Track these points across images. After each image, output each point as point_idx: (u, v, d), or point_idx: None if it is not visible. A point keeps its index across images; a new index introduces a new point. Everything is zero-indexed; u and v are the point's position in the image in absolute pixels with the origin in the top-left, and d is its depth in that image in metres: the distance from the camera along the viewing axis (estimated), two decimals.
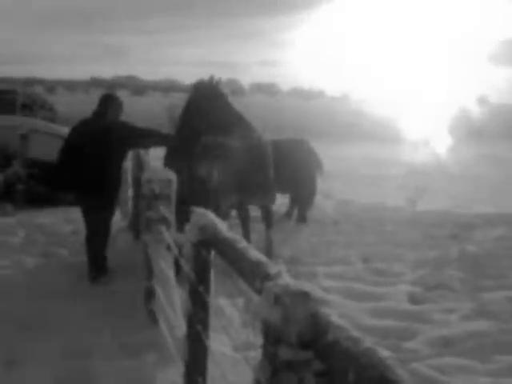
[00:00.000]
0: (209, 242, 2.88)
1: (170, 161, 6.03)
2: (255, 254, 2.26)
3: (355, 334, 1.47)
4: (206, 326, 2.96)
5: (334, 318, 1.57)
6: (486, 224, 9.77)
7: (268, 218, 7.62)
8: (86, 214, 5.84)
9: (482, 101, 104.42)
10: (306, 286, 1.66)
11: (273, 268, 2.05)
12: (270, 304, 1.65)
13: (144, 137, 5.94)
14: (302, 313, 1.59)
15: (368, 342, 1.40)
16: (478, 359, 4.49)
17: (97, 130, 5.74)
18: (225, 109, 5.94)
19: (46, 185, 9.47)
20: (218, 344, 3.20)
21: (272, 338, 1.67)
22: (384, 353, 1.34)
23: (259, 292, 1.90)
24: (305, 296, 1.61)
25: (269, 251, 7.28)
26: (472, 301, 5.80)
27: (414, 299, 5.93)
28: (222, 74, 6.18)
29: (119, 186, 6.04)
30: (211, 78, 6.10)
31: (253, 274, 2.14)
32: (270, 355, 1.69)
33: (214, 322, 3.09)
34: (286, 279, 1.82)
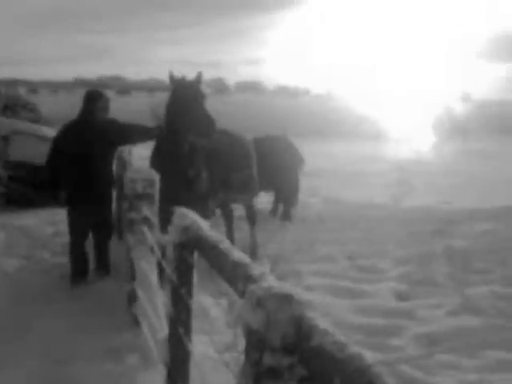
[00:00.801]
0: (191, 242, 2.81)
1: (156, 161, 5.94)
2: (238, 254, 2.19)
3: (341, 338, 1.41)
4: (188, 329, 2.89)
5: (319, 322, 1.51)
6: (470, 219, 9.79)
7: (251, 216, 7.58)
8: (85, 215, 5.71)
9: (466, 98, 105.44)
10: (290, 289, 1.60)
11: (256, 269, 1.99)
12: (252, 308, 1.58)
13: (133, 134, 5.92)
14: (285, 316, 1.52)
15: (354, 347, 1.35)
16: (465, 355, 4.48)
17: (91, 131, 5.65)
18: (198, 110, 5.78)
19: (34, 187, 9.37)
20: (201, 346, 3.15)
21: (255, 343, 1.61)
22: (371, 359, 1.29)
23: (242, 294, 1.84)
24: (288, 299, 1.54)
25: (253, 250, 7.28)
26: (458, 296, 5.79)
27: (399, 296, 5.91)
28: (207, 73, 5.94)
29: (113, 184, 6.14)
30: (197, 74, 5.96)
31: (235, 276, 2.08)
32: (252, 361, 1.63)
33: (197, 322, 3.04)
34: (270, 281, 1.76)
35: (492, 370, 4.27)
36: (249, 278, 1.91)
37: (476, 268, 6.86)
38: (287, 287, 1.58)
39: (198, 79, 5.89)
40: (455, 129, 33.90)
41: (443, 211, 10.61)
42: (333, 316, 4.93)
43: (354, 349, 1.35)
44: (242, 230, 7.89)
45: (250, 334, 1.62)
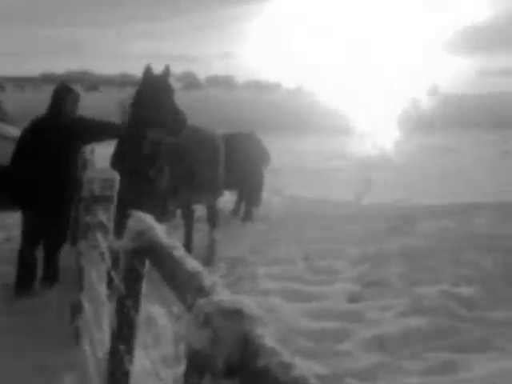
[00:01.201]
0: (143, 249, 2.62)
1: (116, 160, 5.81)
2: (192, 263, 2.00)
3: (288, 358, 1.29)
4: (129, 346, 2.78)
5: (268, 340, 1.35)
6: (429, 216, 9.88)
7: (213, 217, 7.51)
8: (45, 218, 5.55)
9: (433, 91, 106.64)
10: (241, 302, 1.42)
11: (207, 279, 1.80)
12: (197, 325, 1.41)
13: (101, 131, 5.78)
14: (232, 335, 1.37)
15: (301, 367, 1.24)
16: (410, 358, 4.51)
17: (58, 128, 5.51)
18: (167, 104, 5.66)
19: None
20: (144, 361, 3.06)
21: (196, 366, 1.46)
22: (316, 381, 1.26)
23: (190, 308, 1.64)
24: (238, 315, 1.38)
25: (211, 252, 7.21)
26: (408, 297, 5.80)
27: (352, 298, 5.92)
28: (178, 67, 5.68)
29: (76, 185, 5.81)
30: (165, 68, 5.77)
31: (185, 288, 1.90)
32: None
33: (142, 335, 2.95)
34: (220, 293, 1.60)
35: (435, 372, 4.31)
36: (199, 290, 1.76)
37: (428, 267, 6.87)
38: (238, 300, 1.43)
39: (167, 72, 5.75)
40: (421, 123, 34.31)
41: (402, 208, 10.75)
42: (283, 321, 4.95)
43: (301, 370, 1.24)
44: (201, 230, 7.83)
45: (191, 354, 1.47)
